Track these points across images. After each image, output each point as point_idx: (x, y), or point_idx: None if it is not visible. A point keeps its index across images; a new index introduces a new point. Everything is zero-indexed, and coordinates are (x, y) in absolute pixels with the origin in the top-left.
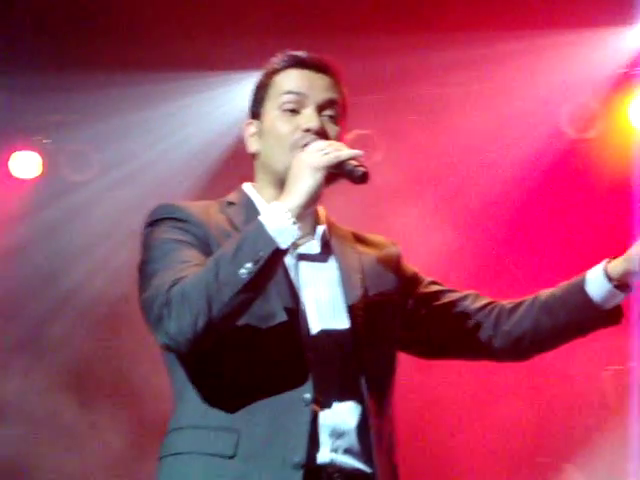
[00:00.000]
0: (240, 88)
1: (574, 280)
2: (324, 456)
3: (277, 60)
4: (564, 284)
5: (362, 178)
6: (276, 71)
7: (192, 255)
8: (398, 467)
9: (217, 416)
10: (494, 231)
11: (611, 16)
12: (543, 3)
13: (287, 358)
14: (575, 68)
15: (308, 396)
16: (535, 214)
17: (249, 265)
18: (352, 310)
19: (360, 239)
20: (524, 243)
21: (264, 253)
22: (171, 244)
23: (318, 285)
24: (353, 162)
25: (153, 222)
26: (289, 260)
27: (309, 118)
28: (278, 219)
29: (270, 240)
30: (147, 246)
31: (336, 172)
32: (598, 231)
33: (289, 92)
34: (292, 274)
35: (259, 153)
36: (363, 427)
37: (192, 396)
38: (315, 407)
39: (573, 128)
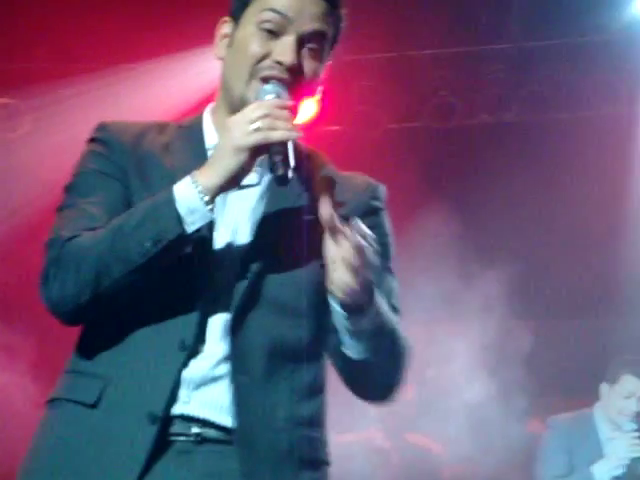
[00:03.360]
0: None
1: None
2: (183, 408)
3: None
4: None
5: (280, 180)
6: None
7: (103, 196)
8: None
9: (91, 362)
10: None
11: None
12: None
13: (173, 301)
14: None
15: (184, 341)
16: None
17: (148, 245)
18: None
19: (333, 182)
20: None
21: (166, 236)
22: (87, 176)
23: (235, 232)
24: (279, 154)
25: (88, 141)
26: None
27: (284, 49)
28: (190, 198)
29: (175, 223)
30: (75, 167)
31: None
32: None
33: (272, 10)
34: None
35: (223, 63)
36: (233, 380)
37: (79, 340)
38: (188, 354)
39: None
